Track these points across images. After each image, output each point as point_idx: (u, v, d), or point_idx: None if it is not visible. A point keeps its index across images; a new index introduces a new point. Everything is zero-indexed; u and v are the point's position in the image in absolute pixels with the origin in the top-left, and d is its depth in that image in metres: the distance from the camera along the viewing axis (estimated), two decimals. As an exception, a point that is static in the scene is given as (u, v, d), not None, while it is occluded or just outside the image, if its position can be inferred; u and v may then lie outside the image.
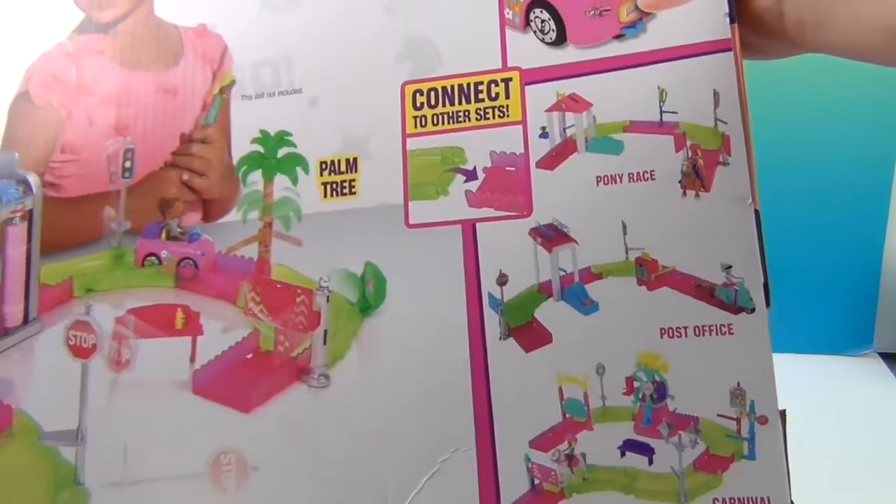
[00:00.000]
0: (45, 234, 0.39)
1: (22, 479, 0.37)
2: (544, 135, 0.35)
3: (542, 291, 0.34)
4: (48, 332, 0.38)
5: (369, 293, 0.35)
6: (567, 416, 0.33)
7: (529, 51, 0.36)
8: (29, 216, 0.39)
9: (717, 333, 0.32)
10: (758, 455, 0.31)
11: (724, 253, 0.33)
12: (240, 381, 0.36)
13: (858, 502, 0.56)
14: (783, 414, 0.32)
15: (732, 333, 0.32)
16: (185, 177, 0.39)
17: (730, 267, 0.33)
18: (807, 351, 0.87)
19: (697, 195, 0.33)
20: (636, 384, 0.33)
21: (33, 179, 0.39)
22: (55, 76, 0.41)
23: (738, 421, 0.32)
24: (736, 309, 0.32)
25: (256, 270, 0.37)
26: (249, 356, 0.36)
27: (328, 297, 0.36)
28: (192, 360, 0.36)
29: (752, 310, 0.32)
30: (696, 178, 0.34)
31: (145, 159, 0.39)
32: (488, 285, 0.35)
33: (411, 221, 0.36)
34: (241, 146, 0.38)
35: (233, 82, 0.39)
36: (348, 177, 0.37)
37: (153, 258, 0.38)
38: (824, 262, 0.89)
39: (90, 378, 0.37)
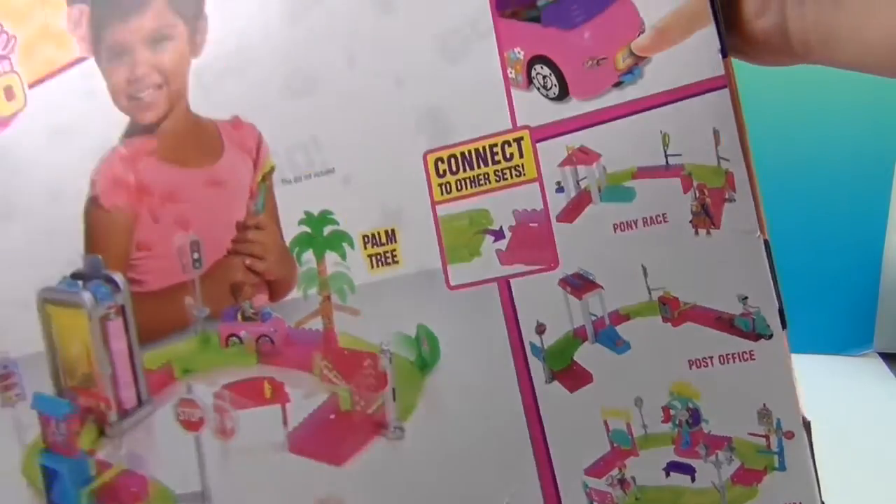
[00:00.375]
0: (139, 326, 0.45)
1: (167, 539, 0.44)
2: (560, 189, 0.38)
3: (578, 336, 0.38)
4: (161, 411, 0.44)
5: (425, 353, 0.40)
6: (614, 445, 0.37)
7: (535, 108, 0.38)
8: (122, 311, 0.45)
9: (740, 360, 0.36)
10: (788, 466, 0.35)
11: (739, 285, 0.35)
12: (329, 438, 0.41)
13: (858, 502, 0.58)
14: (808, 425, 0.35)
15: (754, 359, 0.35)
16: (248, 262, 0.43)
17: (746, 298, 0.35)
18: (807, 351, 0.87)
19: (709, 233, 0.36)
20: (672, 412, 0.37)
21: (119, 278, 0.45)
22: (117, 180, 0.45)
23: (767, 437, 0.35)
24: (755, 336, 0.35)
25: (325, 340, 0.41)
26: (332, 416, 0.41)
27: (390, 358, 0.40)
28: (285, 423, 0.42)
29: (770, 335, 0.35)
30: (705, 216, 0.36)
31: (210, 249, 0.43)
32: (529, 335, 0.38)
33: (452, 283, 0.39)
34: (291, 228, 0.42)
35: (272, 169, 0.42)
36: (389, 247, 0.40)
37: (235, 338, 0.43)
38: (824, 263, 0.89)
39: (203, 447, 0.43)
